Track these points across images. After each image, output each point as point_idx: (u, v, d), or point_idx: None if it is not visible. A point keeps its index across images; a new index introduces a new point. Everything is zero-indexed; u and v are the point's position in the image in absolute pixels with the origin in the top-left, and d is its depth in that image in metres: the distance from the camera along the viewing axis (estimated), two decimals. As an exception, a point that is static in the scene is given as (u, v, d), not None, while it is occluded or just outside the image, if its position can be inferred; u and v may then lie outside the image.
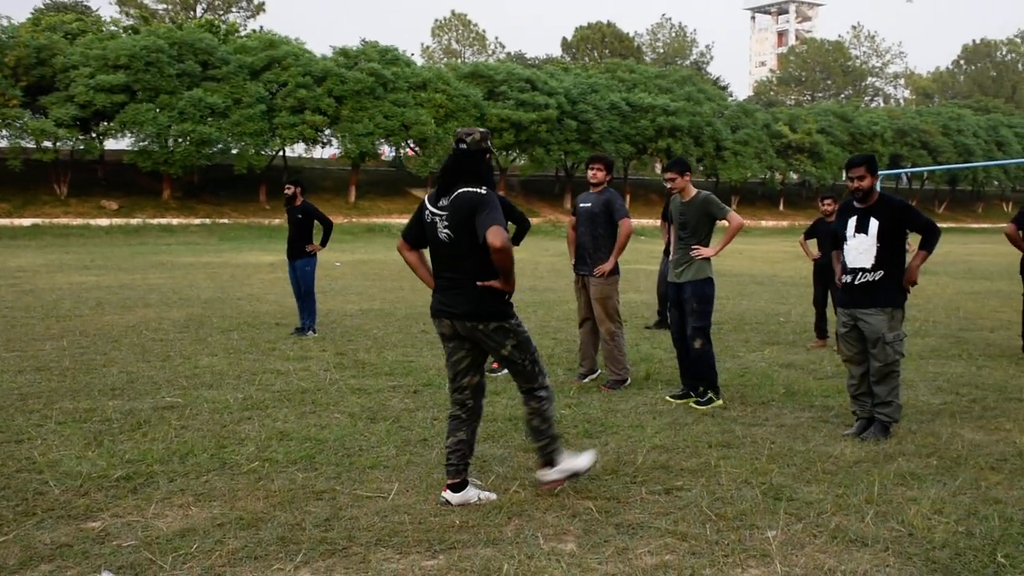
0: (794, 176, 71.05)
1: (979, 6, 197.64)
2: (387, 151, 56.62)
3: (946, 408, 8.05)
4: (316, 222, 12.09)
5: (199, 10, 68.39)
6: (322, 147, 56.02)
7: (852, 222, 7.05)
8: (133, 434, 6.90)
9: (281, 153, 53.11)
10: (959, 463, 6.30)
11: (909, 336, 10.63)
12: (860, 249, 6.98)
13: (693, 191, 8.14)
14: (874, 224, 6.92)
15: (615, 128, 58.66)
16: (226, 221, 45.85)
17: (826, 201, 11.18)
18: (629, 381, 8.86)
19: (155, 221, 44.18)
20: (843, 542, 4.80)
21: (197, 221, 45.60)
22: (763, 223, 61.73)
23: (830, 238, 7.67)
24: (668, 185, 8.20)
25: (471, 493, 5.40)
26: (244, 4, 70.30)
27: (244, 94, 46.52)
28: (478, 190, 5.23)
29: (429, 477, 5.81)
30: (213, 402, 7.96)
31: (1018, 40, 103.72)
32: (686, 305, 8.05)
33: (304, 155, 59.97)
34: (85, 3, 64.69)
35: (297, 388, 8.61)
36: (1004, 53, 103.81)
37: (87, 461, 6.16)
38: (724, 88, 73.22)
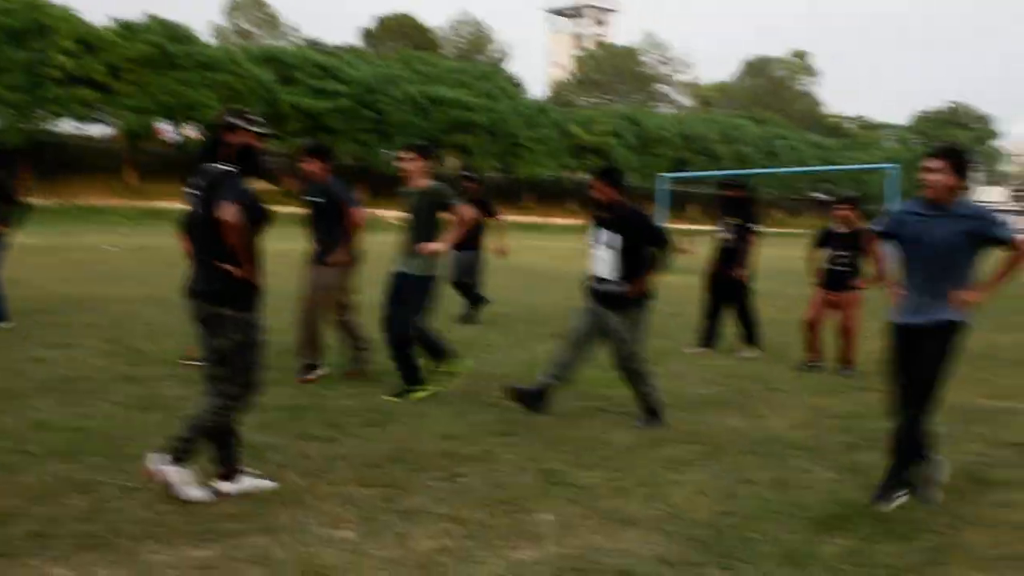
0: (585, 176, 73.01)
1: (762, 25, 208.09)
2: (169, 132, 54.30)
3: (712, 398, 8.53)
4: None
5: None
6: (95, 123, 52.69)
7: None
8: None
9: (46, 127, 49.57)
10: (721, 449, 6.70)
11: (685, 333, 11.19)
12: (604, 258, 7.26)
13: (425, 180, 7.97)
14: (614, 237, 7.21)
15: (411, 121, 58.78)
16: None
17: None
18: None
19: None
20: (614, 522, 5.04)
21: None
22: (556, 220, 62.97)
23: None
24: (403, 166, 8.06)
25: (246, 482, 5.30)
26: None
27: (3, 61, 42.92)
28: (224, 167, 5.16)
29: (203, 468, 5.61)
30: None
31: (791, 58, 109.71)
32: (406, 295, 7.84)
33: (77, 131, 56.19)
34: None
35: (60, 376, 8.13)
36: (779, 70, 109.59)
37: None
38: (518, 86, 74.20)
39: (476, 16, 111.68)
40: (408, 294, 7.82)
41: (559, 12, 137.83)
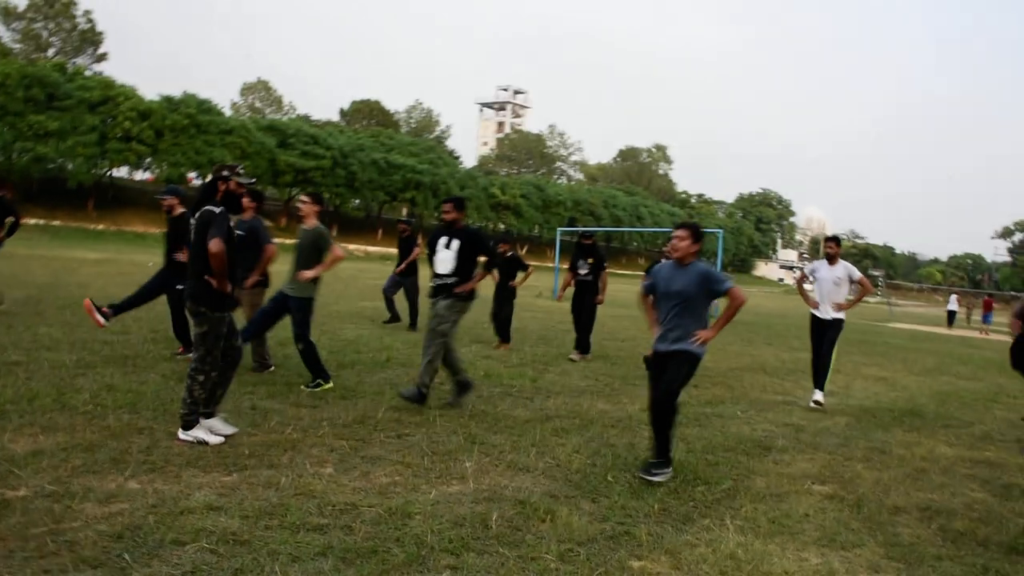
0: (502, 226, 73.28)
1: (633, 122, 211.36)
2: (196, 180, 53.88)
3: (588, 388, 8.75)
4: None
5: (51, 52, 62.39)
6: (143, 171, 52.65)
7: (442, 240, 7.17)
8: (-13, 380, 6.42)
9: (108, 173, 49.67)
10: (592, 422, 6.94)
11: (574, 350, 11.44)
12: (445, 260, 7.07)
13: (314, 222, 7.46)
14: (455, 243, 7.08)
15: (374, 179, 58.56)
16: (58, 223, 42.18)
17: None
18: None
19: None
20: (515, 470, 5.25)
21: (32, 221, 41.57)
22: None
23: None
24: (300, 208, 7.60)
25: (200, 432, 5.30)
26: (91, 52, 64.81)
27: (80, 123, 43.17)
28: (212, 208, 5.36)
29: (229, 419, 5.78)
30: (52, 361, 7.43)
31: (653, 149, 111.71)
32: (294, 314, 7.30)
33: (128, 176, 55.92)
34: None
35: (120, 354, 8.18)
36: (644, 156, 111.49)
37: (-52, 399, 5.75)
38: (457, 158, 74.40)
39: (426, 104, 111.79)
40: (292, 311, 7.30)
41: (488, 105, 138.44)
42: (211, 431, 5.32)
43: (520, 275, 11.69)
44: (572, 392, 8.44)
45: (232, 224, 5.49)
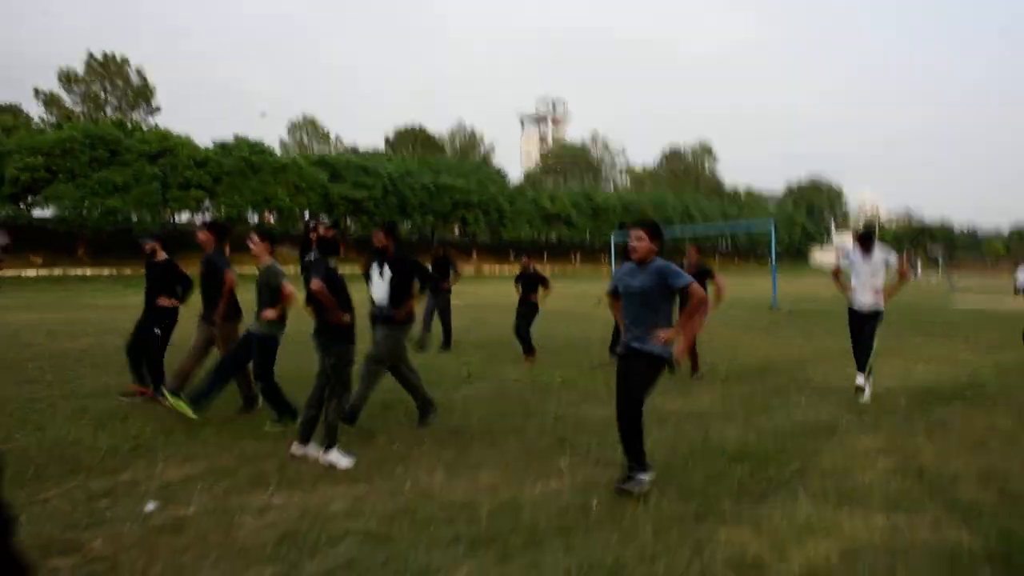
0: (554, 236, 73.96)
1: (676, 123, 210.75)
2: (252, 219, 56.00)
3: (659, 388, 9.21)
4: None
5: (108, 110, 65.20)
6: (203, 215, 54.85)
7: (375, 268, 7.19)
8: (123, 422, 7.13)
9: (171, 219, 51.91)
10: (667, 418, 7.43)
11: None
12: (381, 288, 7.08)
13: (268, 260, 7.23)
14: (387, 272, 7.08)
15: (424, 202, 59.78)
16: (129, 272, 44.15)
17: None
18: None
19: (73, 272, 42.16)
20: (604, 465, 5.81)
21: (106, 272, 43.72)
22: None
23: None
24: (252, 248, 7.28)
25: (334, 456, 5.85)
26: (145, 106, 67.54)
27: (142, 175, 45.33)
28: (308, 258, 6.21)
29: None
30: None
31: (697, 147, 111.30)
32: (254, 352, 7.23)
33: (188, 221, 58.30)
34: (17, 105, 60.77)
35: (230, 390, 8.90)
36: (689, 155, 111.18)
37: (101, 438, 6.50)
38: (504, 176, 75.40)
39: (468, 123, 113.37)
40: (254, 349, 7.20)
41: (529, 118, 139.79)
42: (341, 456, 5.92)
43: (541, 291, 11.89)
44: (543, 351, 8.96)
45: (333, 266, 6.20)
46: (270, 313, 7.07)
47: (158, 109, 68.27)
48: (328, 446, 5.92)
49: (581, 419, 7.45)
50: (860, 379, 8.64)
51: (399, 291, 7.01)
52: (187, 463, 5.82)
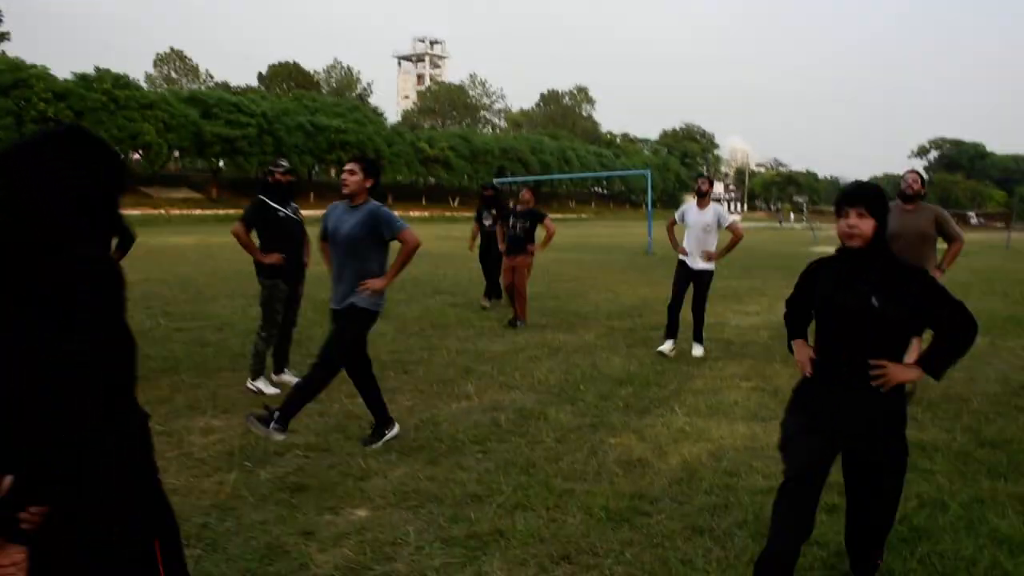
0: (432, 180, 73.94)
1: (554, 67, 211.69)
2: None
3: (548, 324, 10.09)
4: None
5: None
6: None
7: None
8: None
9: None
10: (558, 350, 8.29)
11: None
12: None
13: None
14: None
15: (301, 143, 58.57)
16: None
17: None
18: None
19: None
20: (507, 388, 6.59)
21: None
22: (412, 214, 63.73)
23: None
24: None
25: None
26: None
27: (-8, 109, 42.37)
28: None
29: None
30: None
31: (575, 91, 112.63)
32: None
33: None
34: None
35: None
36: (567, 99, 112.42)
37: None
38: (381, 115, 74.32)
39: (344, 62, 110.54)
40: None
41: (405, 57, 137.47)
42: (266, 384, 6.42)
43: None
44: (535, 328, 9.78)
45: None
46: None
47: (7, 35, 63.40)
48: (255, 374, 6.42)
49: (480, 351, 8.20)
50: (698, 350, 8.27)
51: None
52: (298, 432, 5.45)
